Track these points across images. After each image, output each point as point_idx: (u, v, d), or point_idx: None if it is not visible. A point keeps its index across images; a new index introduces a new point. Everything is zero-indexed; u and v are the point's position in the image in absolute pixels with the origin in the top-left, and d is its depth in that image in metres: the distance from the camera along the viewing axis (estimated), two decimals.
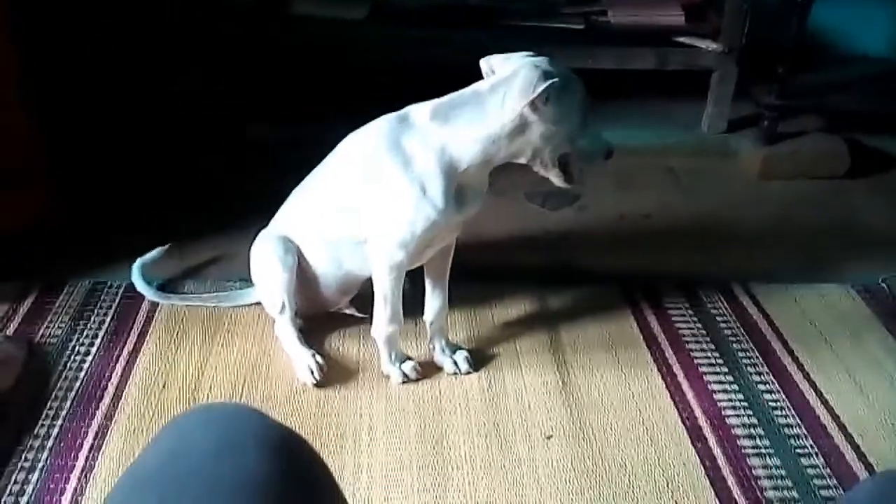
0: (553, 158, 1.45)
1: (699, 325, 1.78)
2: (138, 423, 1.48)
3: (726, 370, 1.65)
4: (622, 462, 1.44)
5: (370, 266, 1.53)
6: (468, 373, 1.62)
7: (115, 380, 1.58)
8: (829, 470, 1.43)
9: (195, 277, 1.89)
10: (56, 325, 1.71)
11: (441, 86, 1.47)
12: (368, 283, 1.57)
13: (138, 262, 1.81)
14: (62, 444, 1.44)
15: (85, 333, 1.70)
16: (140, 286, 1.79)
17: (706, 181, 2.40)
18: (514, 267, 1.96)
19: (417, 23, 2.52)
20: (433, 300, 1.63)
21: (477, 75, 1.47)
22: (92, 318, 1.74)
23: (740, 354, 1.70)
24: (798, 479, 1.41)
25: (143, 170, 2.31)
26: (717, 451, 1.47)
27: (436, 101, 1.45)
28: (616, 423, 1.52)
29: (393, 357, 1.59)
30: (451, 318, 1.69)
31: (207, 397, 1.55)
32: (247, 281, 1.73)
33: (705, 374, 1.64)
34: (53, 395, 1.54)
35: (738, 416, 1.54)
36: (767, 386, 1.62)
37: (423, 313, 1.64)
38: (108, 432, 1.46)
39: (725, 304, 1.85)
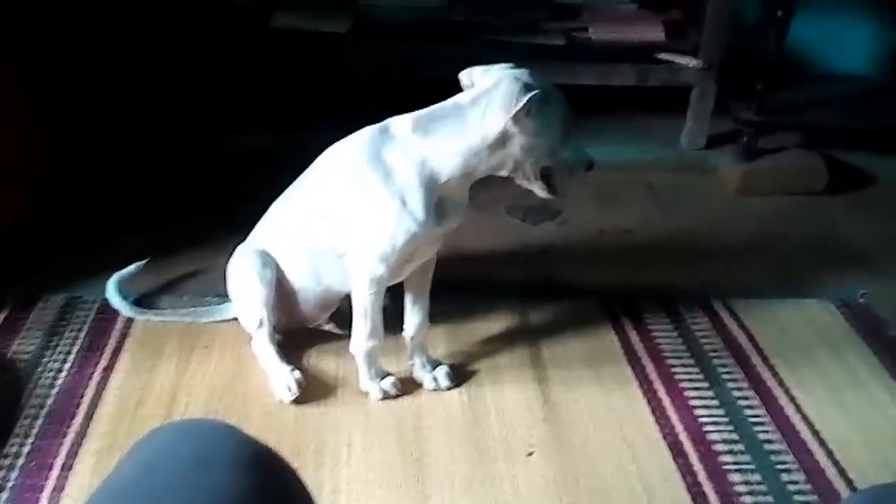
0: (535, 171, 1.45)
1: (679, 340, 1.78)
2: (111, 442, 1.45)
3: (707, 385, 1.65)
4: (603, 478, 1.42)
5: (350, 281, 1.52)
6: (449, 388, 1.61)
7: (88, 397, 1.55)
8: (810, 486, 1.43)
9: (172, 292, 1.86)
10: (28, 341, 1.68)
11: (423, 99, 1.47)
12: (348, 299, 1.56)
13: (115, 277, 1.79)
14: (33, 464, 1.40)
15: (58, 349, 1.66)
16: (116, 302, 1.76)
17: (686, 197, 2.41)
18: (494, 281, 1.95)
19: (400, 37, 2.52)
20: (413, 315, 1.61)
21: (458, 90, 1.47)
22: (65, 334, 1.71)
23: (720, 369, 1.70)
24: (779, 495, 1.41)
25: (121, 180, 2.28)
26: (697, 466, 1.46)
27: (416, 113, 1.45)
28: (597, 439, 1.51)
29: (372, 373, 1.58)
30: (432, 333, 1.67)
31: (183, 414, 1.52)
32: (224, 296, 1.71)
33: (686, 389, 1.64)
34: (24, 413, 1.50)
35: (718, 431, 1.54)
36: (748, 401, 1.61)
37: (402, 328, 1.62)
38: (81, 451, 1.43)
39: (705, 318, 1.85)
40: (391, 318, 1.60)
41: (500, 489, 1.39)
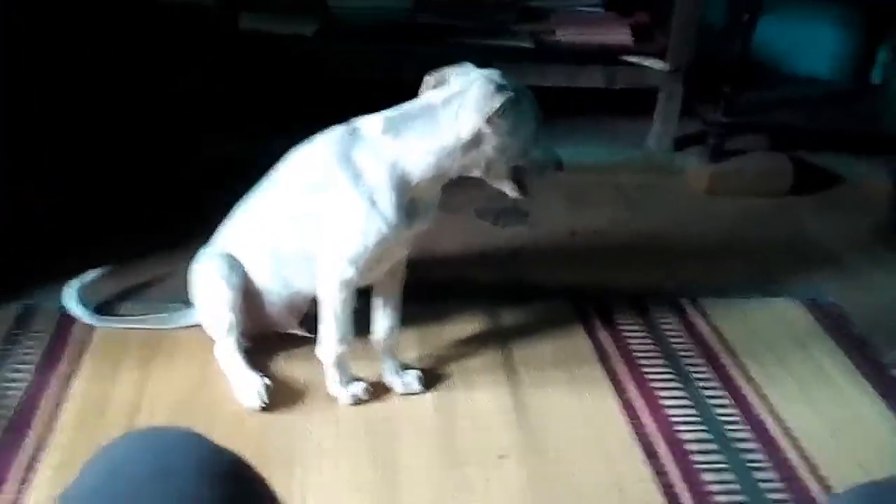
0: (507, 170, 1.45)
1: (650, 341, 1.78)
2: (71, 455, 1.40)
3: (678, 385, 1.65)
4: (576, 480, 1.41)
5: (318, 284, 1.49)
6: (420, 392, 1.59)
7: (46, 408, 1.50)
8: (782, 483, 1.43)
9: (133, 299, 1.81)
10: None
11: (391, 101, 1.46)
12: (317, 302, 1.53)
13: (75, 283, 1.74)
14: None
15: (14, 359, 1.61)
16: (75, 309, 1.71)
17: (654, 198, 2.42)
18: (465, 283, 1.94)
19: (368, 39, 2.50)
20: (384, 319, 1.59)
21: None
22: (23, 342, 1.65)
23: (691, 369, 1.70)
24: (752, 492, 1.41)
25: (81, 185, 2.22)
26: (670, 466, 1.45)
27: (385, 113, 1.44)
28: (569, 441, 1.50)
29: (342, 378, 1.55)
30: (403, 337, 1.65)
31: (147, 424, 1.47)
32: (187, 302, 1.67)
33: (657, 389, 1.64)
34: None
35: (690, 431, 1.54)
36: (719, 401, 1.62)
37: (371, 332, 1.60)
38: (38, 465, 1.38)
39: (676, 318, 1.85)
40: (359, 322, 1.58)
41: (473, 493, 1.38)
